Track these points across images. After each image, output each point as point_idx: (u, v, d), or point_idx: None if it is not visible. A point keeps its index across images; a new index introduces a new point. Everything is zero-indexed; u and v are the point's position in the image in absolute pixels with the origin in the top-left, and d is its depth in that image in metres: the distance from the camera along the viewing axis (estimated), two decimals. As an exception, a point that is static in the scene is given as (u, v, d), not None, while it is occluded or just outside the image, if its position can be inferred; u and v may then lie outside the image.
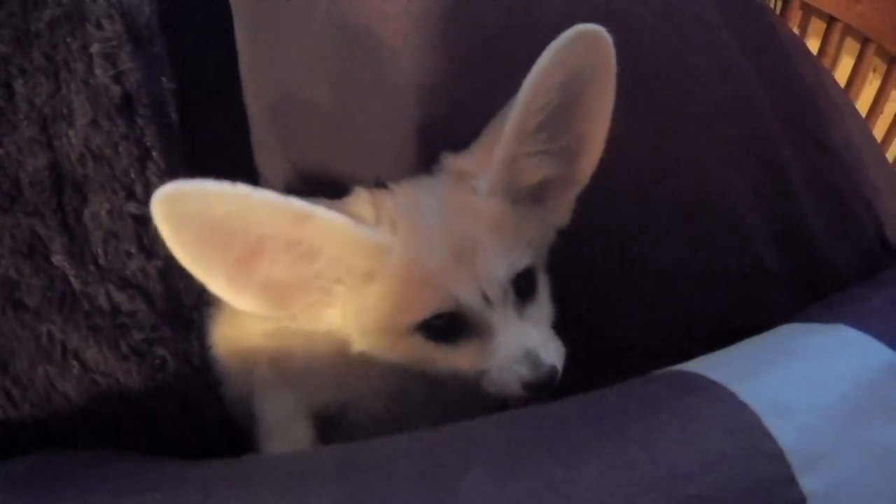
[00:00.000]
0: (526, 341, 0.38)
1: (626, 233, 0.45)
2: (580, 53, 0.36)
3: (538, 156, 0.39)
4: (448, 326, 0.38)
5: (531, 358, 0.37)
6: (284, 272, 0.36)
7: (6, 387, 0.42)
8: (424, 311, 0.37)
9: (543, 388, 0.37)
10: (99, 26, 0.40)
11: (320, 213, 0.34)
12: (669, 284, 0.46)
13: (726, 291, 0.47)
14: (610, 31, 0.36)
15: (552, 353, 0.38)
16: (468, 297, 0.37)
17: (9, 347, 0.41)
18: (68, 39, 0.40)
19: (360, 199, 0.39)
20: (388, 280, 0.37)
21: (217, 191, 0.32)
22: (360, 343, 0.39)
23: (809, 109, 0.54)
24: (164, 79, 0.42)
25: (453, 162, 0.40)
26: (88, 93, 0.40)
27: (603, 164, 0.41)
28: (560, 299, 0.44)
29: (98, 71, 0.40)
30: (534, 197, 0.40)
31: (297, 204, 0.33)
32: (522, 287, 0.39)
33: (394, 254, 0.37)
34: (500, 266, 0.37)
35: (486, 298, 0.37)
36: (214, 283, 0.35)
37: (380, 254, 0.36)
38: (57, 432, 0.42)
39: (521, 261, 0.38)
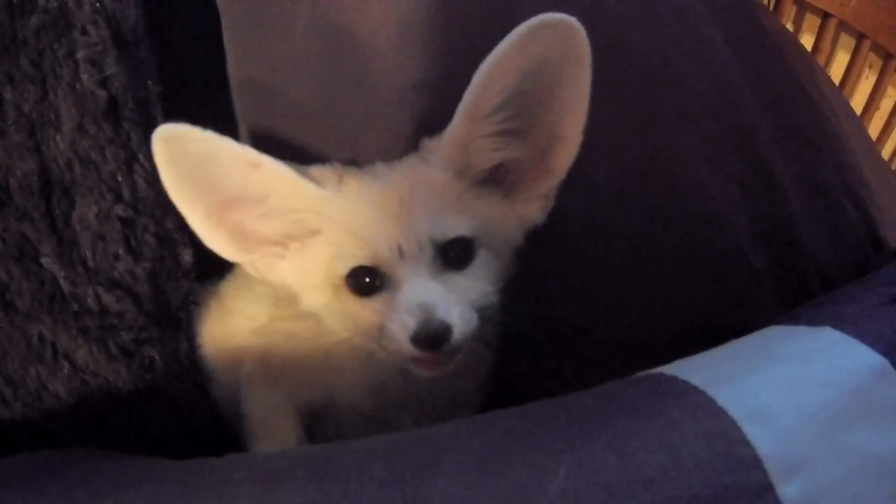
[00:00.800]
0: (425, 295, 0.37)
1: (610, 230, 0.45)
2: (547, 42, 0.37)
3: (496, 137, 0.39)
4: (370, 281, 0.39)
5: (423, 309, 0.36)
6: (251, 223, 0.40)
7: (-2, 387, 0.43)
8: (348, 262, 0.39)
9: (432, 344, 0.36)
10: (84, 32, 0.41)
11: (268, 162, 0.38)
12: (654, 282, 0.46)
13: (712, 290, 0.47)
14: (591, 27, 0.36)
15: (453, 314, 0.37)
16: (384, 249, 0.38)
17: (0, 348, 0.42)
18: (55, 46, 0.41)
19: (327, 168, 0.41)
20: (327, 233, 0.39)
21: (194, 134, 0.37)
22: (307, 300, 0.41)
23: (798, 106, 0.53)
24: (149, 82, 0.42)
25: (424, 143, 0.41)
26: (75, 98, 0.41)
27: (585, 161, 0.41)
28: (546, 298, 0.45)
29: (84, 76, 0.41)
30: (497, 181, 0.41)
31: (250, 151, 0.38)
32: (452, 255, 0.39)
33: (331, 206, 0.39)
34: (423, 225, 0.38)
35: (401, 253, 0.38)
36: (192, 216, 0.39)
37: (320, 205, 0.39)
38: (47, 431, 0.43)
39: (455, 229, 0.39)
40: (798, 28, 0.98)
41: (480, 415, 0.36)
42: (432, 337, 0.36)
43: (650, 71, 0.46)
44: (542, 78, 0.38)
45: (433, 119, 0.42)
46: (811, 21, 0.97)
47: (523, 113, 0.39)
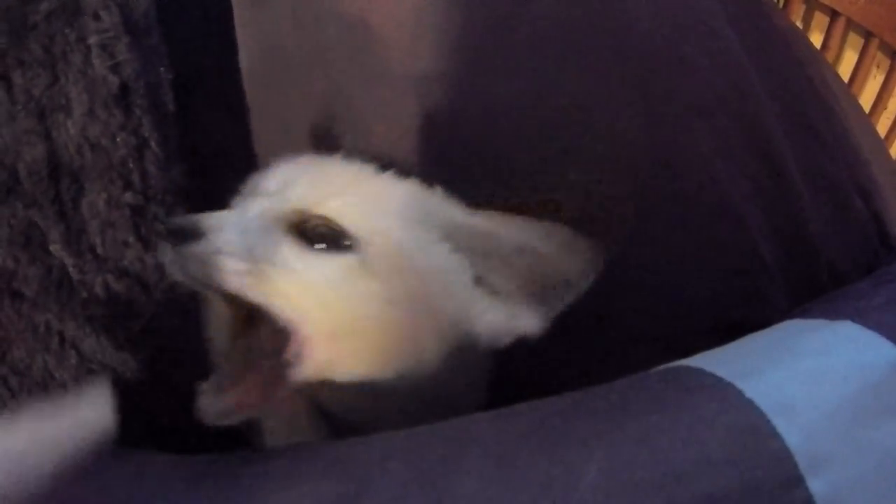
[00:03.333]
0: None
1: (618, 219, 0.45)
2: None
3: None
4: None
5: (189, 220, 0.33)
6: None
7: (4, 375, 0.43)
8: None
9: (173, 235, 0.33)
10: (96, 17, 0.40)
11: None
12: (667, 276, 0.46)
13: (723, 284, 0.47)
14: (601, 17, 0.36)
15: (221, 233, 0.33)
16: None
17: (7, 336, 0.42)
18: (66, 31, 0.40)
19: None
20: None
21: None
22: None
23: (808, 102, 0.53)
24: (161, 69, 0.42)
25: None
26: (86, 83, 0.40)
27: (597, 153, 0.41)
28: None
29: (95, 62, 0.40)
30: None
31: None
32: (311, 231, 0.35)
33: None
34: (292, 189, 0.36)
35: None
36: None
37: None
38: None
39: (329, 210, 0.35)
40: (806, 26, 0.97)
41: (501, 409, 0.35)
42: (176, 229, 0.33)
43: (660, 62, 0.46)
44: None
45: (445, 110, 0.41)
46: (819, 19, 0.97)
47: None
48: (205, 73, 0.45)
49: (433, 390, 0.38)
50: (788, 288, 0.48)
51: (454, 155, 0.43)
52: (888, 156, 0.73)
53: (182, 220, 0.33)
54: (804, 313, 0.41)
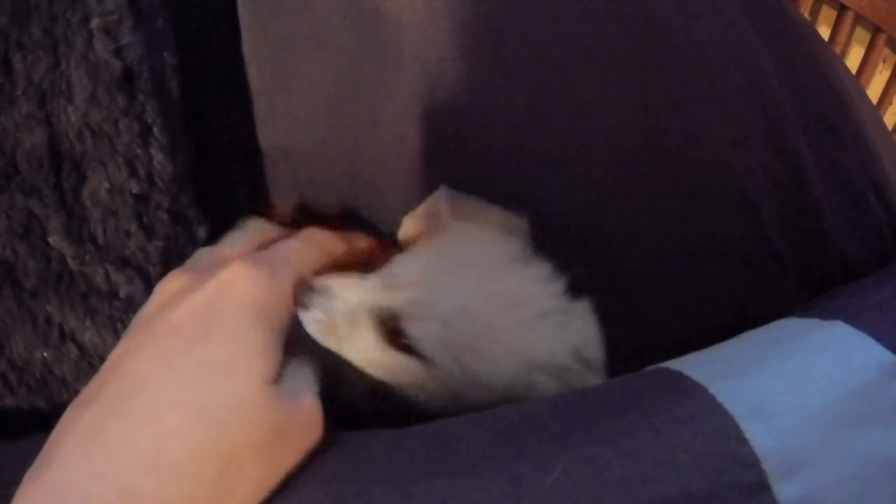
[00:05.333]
0: None
1: (635, 209, 0.44)
2: None
3: None
4: None
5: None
6: None
7: (2, 371, 0.41)
8: None
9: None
10: (100, 0, 0.39)
11: None
12: (678, 267, 0.45)
13: (736, 276, 0.46)
14: (623, 6, 0.35)
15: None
16: None
17: (5, 330, 0.41)
18: (68, 13, 0.39)
19: None
20: None
21: None
22: None
23: (822, 95, 0.52)
24: (166, 54, 0.40)
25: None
26: (88, 67, 0.39)
27: (613, 137, 0.40)
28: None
29: (98, 46, 0.39)
30: None
31: None
32: (395, 331, 0.37)
33: None
34: None
35: None
36: None
37: None
38: (52, 418, 0.41)
39: None
40: (814, 20, 0.97)
41: (484, 412, 0.35)
42: None
43: (679, 50, 0.45)
44: None
45: (457, 97, 0.40)
46: (827, 13, 0.96)
47: None
48: (209, 59, 0.44)
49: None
50: (801, 281, 0.48)
51: (464, 143, 0.42)
52: (896, 151, 0.72)
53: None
54: (805, 310, 0.41)
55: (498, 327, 0.36)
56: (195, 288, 0.34)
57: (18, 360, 0.41)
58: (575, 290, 0.40)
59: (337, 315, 0.36)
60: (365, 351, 0.36)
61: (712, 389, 0.32)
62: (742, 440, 0.29)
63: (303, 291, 0.36)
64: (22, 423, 0.42)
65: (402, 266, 0.37)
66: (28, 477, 0.31)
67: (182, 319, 0.34)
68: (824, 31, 0.95)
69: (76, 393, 0.41)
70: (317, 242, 0.39)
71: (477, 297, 0.36)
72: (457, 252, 0.38)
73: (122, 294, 0.39)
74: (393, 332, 0.36)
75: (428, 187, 0.41)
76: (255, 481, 0.32)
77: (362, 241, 0.42)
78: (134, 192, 0.38)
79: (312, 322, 0.36)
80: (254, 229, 0.41)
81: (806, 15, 0.95)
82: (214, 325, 0.33)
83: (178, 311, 0.34)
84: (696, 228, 0.45)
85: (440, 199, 0.41)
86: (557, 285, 0.39)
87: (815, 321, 0.38)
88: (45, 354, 0.40)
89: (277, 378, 0.34)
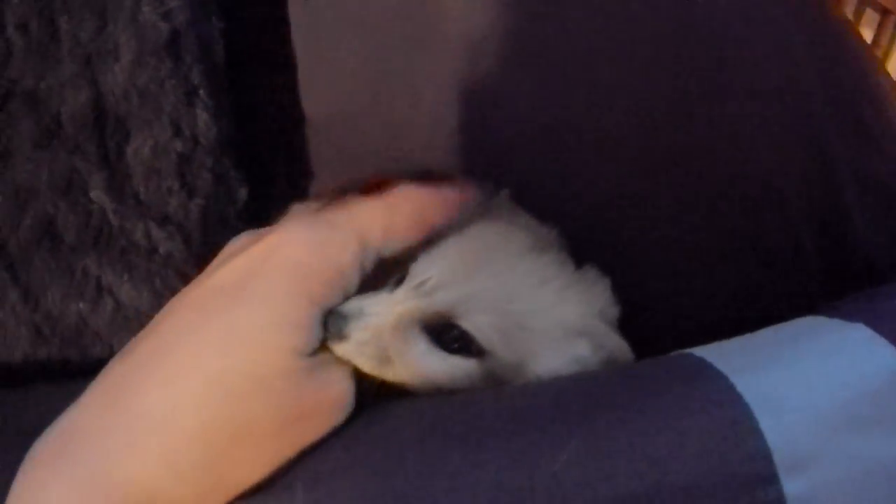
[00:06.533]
0: None
1: (667, 199, 0.44)
2: None
3: None
4: None
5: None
6: None
7: (37, 322, 0.42)
8: None
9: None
10: (149, -37, 0.40)
11: None
12: (704, 257, 0.45)
13: (763, 274, 0.46)
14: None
15: (359, 328, 0.35)
16: None
17: (42, 282, 0.41)
18: (117, -25, 0.40)
19: None
20: None
21: None
22: None
23: (860, 99, 0.52)
24: (213, 18, 0.41)
25: None
26: (135, 30, 0.40)
27: (647, 126, 0.40)
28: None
29: (146, 8, 0.40)
30: None
31: None
32: (446, 334, 0.36)
33: None
34: None
35: None
36: None
37: None
38: (84, 370, 0.42)
39: None
40: (857, 22, 0.96)
41: (504, 386, 0.36)
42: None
43: (718, 44, 0.45)
44: None
45: (498, 75, 0.41)
46: (870, 16, 0.96)
47: None
48: (255, 26, 0.45)
49: None
50: (825, 281, 0.48)
51: (503, 125, 0.43)
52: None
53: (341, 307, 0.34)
54: (828, 310, 0.41)
55: (540, 303, 0.37)
56: (245, 249, 0.33)
57: (54, 311, 0.42)
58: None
59: (383, 333, 0.34)
60: (420, 363, 0.35)
61: (732, 378, 0.32)
62: (757, 432, 0.29)
63: (332, 321, 0.33)
64: (53, 375, 0.43)
65: (427, 268, 0.36)
66: (60, 417, 0.32)
67: (221, 282, 0.33)
68: (867, 35, 0.94)
69: (110, 346, 0.43)
70: (400, 208, 0.35)
71: (513, 280, 0.37)
72: (476, 245, 0.38)
73: (161, 250, 0.40)
74: (440, 335, 0.36)
75: (467, 166, 0.42)
76: (268, 457, 0.31)
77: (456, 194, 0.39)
78: (178, 150, 0.39)
79: (356, 348, 0.34)
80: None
81: (849, 16, 0.95)
82: (250, 291, 0.32)
83: (220, 272, 0.33)
84: (725, 222, 0.45)
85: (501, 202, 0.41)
86: (571, 265, 0.40)
87: (837, 321, 0.38)
88: (80, 307, 0.41)
89: (312, 355, 0.32)
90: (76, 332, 0.42)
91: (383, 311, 0.34)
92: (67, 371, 0.43)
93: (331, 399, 0.33)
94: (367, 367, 0.34)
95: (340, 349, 0.34)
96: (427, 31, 0.42)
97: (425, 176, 0.38)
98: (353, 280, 0.34)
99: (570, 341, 0.37)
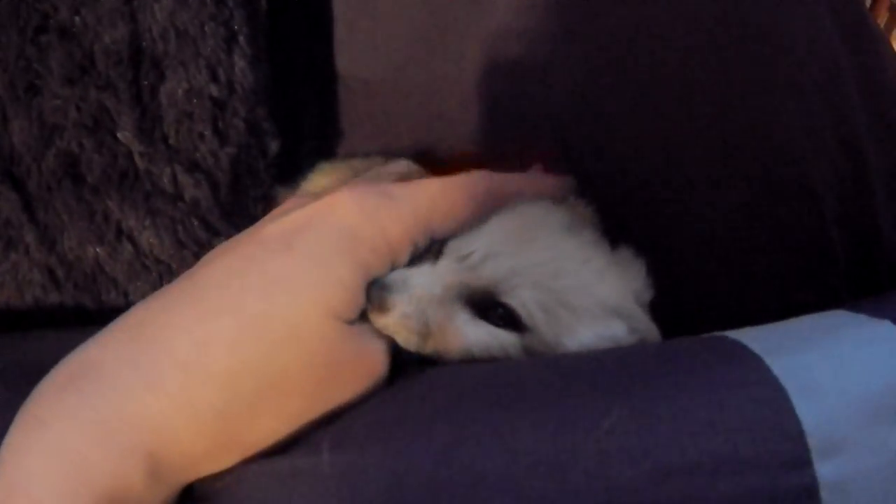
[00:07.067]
0: None
1: (703, 186, 0.44)
2: None
3: None
4: None
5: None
6: None
7: (51, 265, 0.41)
8: None
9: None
10: None
11: None
12: (735, 245, 0.45)
13: (789, 265, 0.46)
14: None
15: (403, 300, 0.34)
16: None
17: (59, 224, 0.40)
18: (163, -87, 0.39)
19: None
20: None
21: None
22: None
23: (892, 105, 0.53)
24: (259, -37, 0.40)
25: None
26: (179, -32, 0.39)
27: (687, 111, 0.39)
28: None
29: (190, -52, 0.39)
30: None
31: None
32: (490, 308, 0.37)
33: None
34: None
35: None
36: None
37: None
38: (97, 318, 0.41)
39: None
40: (888, 34, 0.97)
41: (548, 356, 0.35)
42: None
43: (762, 35, 0.45)
44: None
45: (545, 40, 0.40)
46: None
47: None
48: None
49: None
50: (850, 278, 0.48)
51: (546, 89, 0.42)
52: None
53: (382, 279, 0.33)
54: (854, 308, 0.41)
55: (582, 281, 0.36)
56: (298, 207, 0.33)
57: (69, 255, 0.40)
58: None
59: (427, 305, 0.34)
60: (463, 336, 0.35)
61: (767, 360, 0.32)
62: (792, 413, 0.30)
63: (375, 291, 0.32)
64: (65, 321, 0.42)
65: (471, 243, 0.35)
66: (70, 354, 0.31)
67: (270, 233, 0.32)
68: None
69: (125, 294, 0.41)
70: (466, 192, 0.35)
71: (557, 257, 0.36)
72: (519, 222, 0.37)
73: (186, 197, 0.39)
74: (484, 310, 0.35)
75: (509, 126, 0.41)
76: (290, 416, 0.31)
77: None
78: (213, 96, 0.38)
79: (400, 320, 0.33)
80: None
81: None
82: (297, 244, 0.31)
83: (271, 225, 0.32)
84: (757, 212, 0.45)
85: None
86: (606, 244, 0.40)
87: (863, 317, 0.38)
88: (98, 251, 0.40)
89: (352, 319, 0.32)
90: (91, 277, 0.41)
91: (428, 282, 0.34)
92: (80, 318, 0.41)
93: (365, 368, 0.32)
94: (408, 341, 0.34)
95: (381, 321, 0.33)
96: (465, 24, 0.42)
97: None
98: (402, 254, 0.33)
99: (607, 320, 0.37)
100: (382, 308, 0.33)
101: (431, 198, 0.34)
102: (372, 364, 0.32)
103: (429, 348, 0.34)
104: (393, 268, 0.33)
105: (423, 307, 0.33)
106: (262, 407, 0.30)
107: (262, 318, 0.30)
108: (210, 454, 0.30)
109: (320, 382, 0.31)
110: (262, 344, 0.29)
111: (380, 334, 0.33)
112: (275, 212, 0.35)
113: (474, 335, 0.35)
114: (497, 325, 0.35)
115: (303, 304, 0.30)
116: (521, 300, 0.35)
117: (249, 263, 0.31)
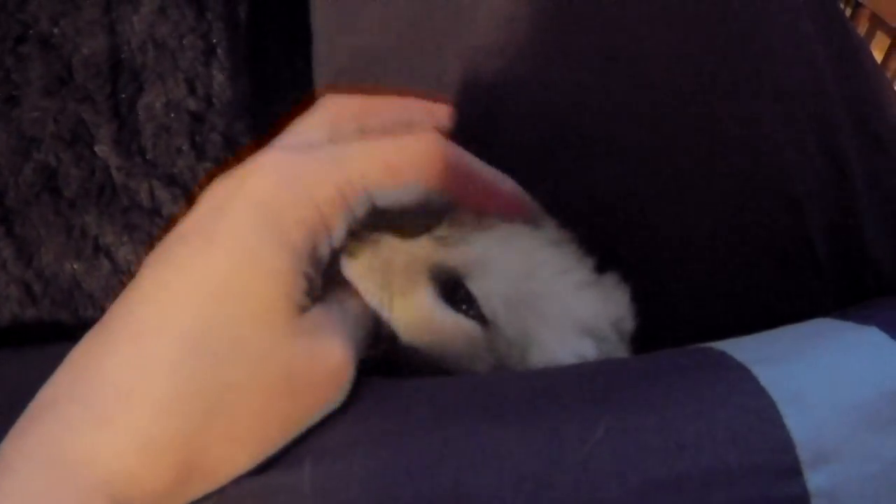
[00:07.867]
0: None
1: (687, 193, 0.44)
2: None
3: None
4: None
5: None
6: None
7: (27, 280, 0.40)
8: None
9: None
10: (176, -86, 0.39)
11: None
12: (718, 255, 0.45)
13: (774, 275, 0.46)
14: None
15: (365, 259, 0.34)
16: None
17: (37, 238, 0.40)
18: (142, -75, 0.39)
19: None
20: None
21: None
22: None
23: (874, 113, 0.53)
24: (238, -24, 0.40)
25: None
26: (157, -19, 0.39)
27: (669, 117, 0.39)
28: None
29: (170, -40, 0.39)
30: None
31: None
32: (455, 291, 0.36)
33: None
34: None
35: None
36: None
37: None
38: (75, 334, 0.40)
39: None
40: (869, 42, 0.98)
41: (530, 369, 0.35)
42: None
43: (746, 40, 0.45)
44: None
45: (526, 55, 0.40)
46: (880, 40, 0.98)
47: None
48: None
49: None
50: (835, 287, 0.48)
51: (526, 108, 0.42)
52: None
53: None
54: (839, 315, 0.41)
55: (554, 290, 0.36)
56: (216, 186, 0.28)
57: (46, 271, 0.40)
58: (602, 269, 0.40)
59: (393, 267, 0.33)
60: (420, 310, 0.33)
61: (754, 371, 0.32)
62: (781, 424, 0.29)
63: (350, 242, 0.31)
64: (42, 337, 0.41)
65: (453, 228, 0.35)
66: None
67: (189, 226, 0.28)
68: (877, 56, 0.96)
69: (102, 309, 0.41)
70: (414, 148, 0.30)
71: (533, 261, 0.36)
72: (504, 227, 0.37)
73: (164, 212, 0.38)
74: (449, 292, 0.34)
75: (488, 143, 0.41)
76: (253, 438, 0.27)
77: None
78: (191, 109, 0.38)
79: (362, 268, 0.32)
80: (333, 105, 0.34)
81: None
82: (218, 233, 0.27)
83: (191, 215, 0.28)
84: (741, 219, 0.45)
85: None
86: (590, 263, 0.39)
87: (850, 324, 0.38)
88: (75, 267, 0.39)
89: (301, 309, 0.28)
90: (68, 293, 0.40)
91: (399, 247, 0.33)
92: (58, 334, 0.41)
93: (322, 371, 0.28)
94: (371, 295, 0.32)
95: (349, 268, 0.32)
96: (458, 4, 0.41)
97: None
98: (336, 222, 0.28)
99: (576, 336, 0.36)
100: (350, 253, 0.32)
101: (367, 152, 0.29)
102: (330, 367, 0.29)
103: (392, 314, 0.33)
104: (330, 241, 0.29)
105: (388, 267, 0.33)
106: (218, 430, 0.27)
107: (197, 332, 0.26)
108: (172, 491, 0.27)
109: (278, 395, 0.27)
110: (203, 360, 0.26)
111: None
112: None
113: (433, 312, 0.33)
114: (459, 310, 0.34)
115: (237, 305, 0.26)
116: (482, 289, 0.34)
117: (174, 270, 0.27)
